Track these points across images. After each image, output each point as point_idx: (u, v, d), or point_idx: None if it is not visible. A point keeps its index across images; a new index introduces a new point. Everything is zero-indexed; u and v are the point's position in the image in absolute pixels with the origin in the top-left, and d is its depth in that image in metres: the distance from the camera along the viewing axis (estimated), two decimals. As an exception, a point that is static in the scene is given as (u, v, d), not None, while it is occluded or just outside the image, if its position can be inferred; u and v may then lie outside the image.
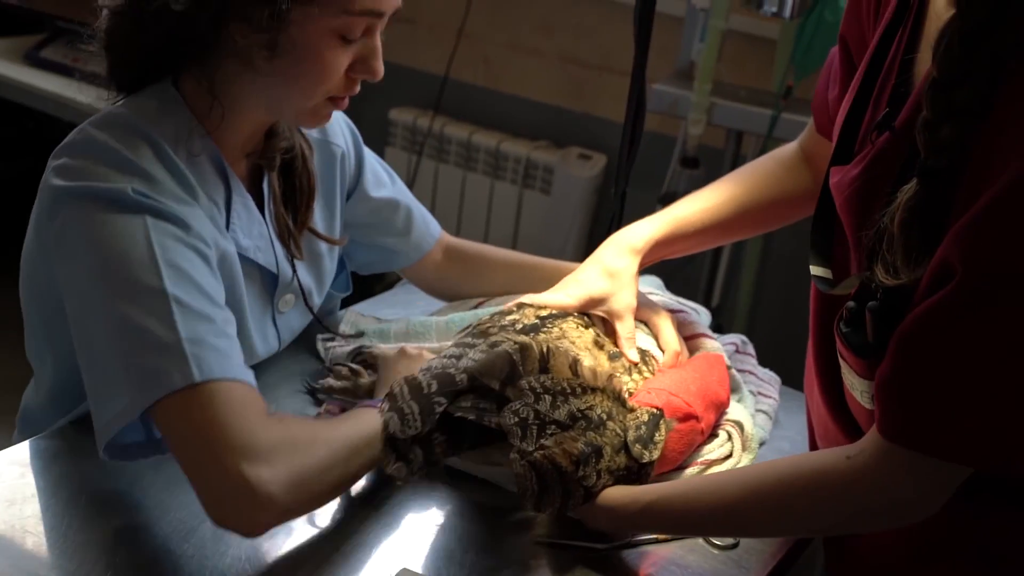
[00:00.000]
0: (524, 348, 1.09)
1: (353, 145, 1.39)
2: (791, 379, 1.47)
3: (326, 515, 1.11)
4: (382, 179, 1.43)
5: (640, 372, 1.26)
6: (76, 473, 1.14)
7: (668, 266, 1.45)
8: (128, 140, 1.09)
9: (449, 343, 1.21)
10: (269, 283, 1.27)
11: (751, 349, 1.48)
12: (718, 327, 2.68)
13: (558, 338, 1.19)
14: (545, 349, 1.10)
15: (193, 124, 1.14)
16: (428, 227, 1.48)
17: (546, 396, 1.06)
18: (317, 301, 1.37)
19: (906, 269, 0.88)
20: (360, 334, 1.42)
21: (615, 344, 1.27)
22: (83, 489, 1.11)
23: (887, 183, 0.92)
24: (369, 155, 1.42)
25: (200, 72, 1.14)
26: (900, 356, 0.89)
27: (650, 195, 2.45)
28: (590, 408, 1.09)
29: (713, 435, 1.26)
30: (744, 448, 1.26)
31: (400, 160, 3.18)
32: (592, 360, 1.18)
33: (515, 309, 1.25)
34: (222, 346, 1.02)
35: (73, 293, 1.07)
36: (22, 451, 1.17)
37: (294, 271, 1.29)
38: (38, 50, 3.11)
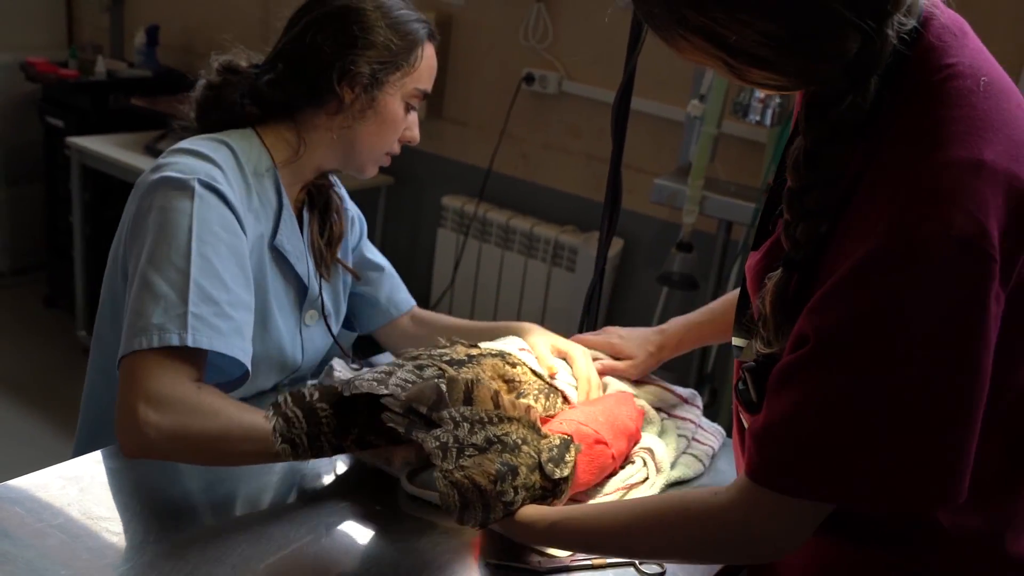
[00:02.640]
0: (451, 381, 1.08)
1: (359, 222, 1.51)
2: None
3: (280, 528, 1.11)
4: (375, 252, 1.54)
5: (548, 398, 1.26)
6: (111, 487, 1.17)
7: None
8: (210, 144, 1.23)
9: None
10: (299, 293, 1.35)
11: (699, 402, 1.48)
12: (713, 391, 2.67)
13: (476, 373, 1.16)
14: (470, 382, 1.09)
15: (264, 154, 1.27)
16: (405, 296, 1.56)
17: (464, 424, 1.04)
18: (335, 327, 1.44)
19: (776, 342, 0.89)
20: (368, 366, 1.43)
21: (520, 381, 1.26)
22: (114, 501, 1.13)
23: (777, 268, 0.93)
24: (368, 242, 1.54)
25: (290, 123, 1.27)
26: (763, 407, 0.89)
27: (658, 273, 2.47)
28: (506, 434, 1.08)
29: (631, 462, 1.27)
30: (659, 471, 1.27)
31: (450, 240, 3.23)
32: (498, 387, 1.18)
33: (448, 344, 1.23)
34: (220, 325, 1.13)
35: (132, 256, 1.19)
36: (70, 467, 1.20)
37: (320, 291, 1.37)
38: (156, 142, 3.26)
